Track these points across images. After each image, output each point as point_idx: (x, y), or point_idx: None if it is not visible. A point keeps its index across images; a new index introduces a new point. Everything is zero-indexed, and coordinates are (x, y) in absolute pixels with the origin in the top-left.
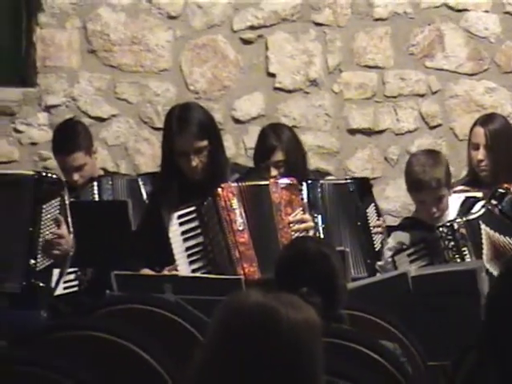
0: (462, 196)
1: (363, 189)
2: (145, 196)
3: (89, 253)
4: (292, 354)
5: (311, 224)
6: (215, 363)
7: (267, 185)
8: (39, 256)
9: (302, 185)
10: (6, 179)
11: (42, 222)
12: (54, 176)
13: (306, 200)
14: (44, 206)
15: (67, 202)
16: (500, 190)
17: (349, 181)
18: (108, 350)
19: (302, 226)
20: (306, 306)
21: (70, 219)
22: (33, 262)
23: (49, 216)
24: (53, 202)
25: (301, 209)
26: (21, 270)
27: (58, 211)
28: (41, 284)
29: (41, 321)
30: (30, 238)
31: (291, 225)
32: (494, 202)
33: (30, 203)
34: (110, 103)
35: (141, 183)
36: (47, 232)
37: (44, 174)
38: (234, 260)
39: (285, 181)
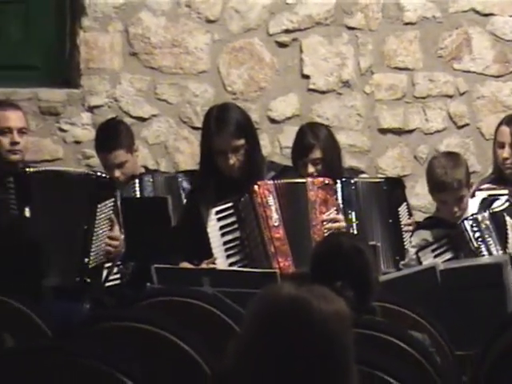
0: (480, 196)
1: (396, 188)
2: (183, 193)
3: (130, 247)
4: (324, 344)
5: (343, 224)
6: (250, 354)
7: (304, 183)
8: (92, 254)
9: (336, 182)
10: (63, 177)
11: (97, 221)
12: (108, 177)
13: (340, 197)
14: (99, 206)
15: (119, 203)
16: None
17: (382, 180)
18: (148, 340)
19: (335, 225)
20: (336, 298)
21: (121, 219)
22: (86, 260)
23: (103, 216)
24: (107, 202)
25: (335, 208)
26: (75, 266)
27: (111, 211)
28: (90, 280)
29: (84, 313)
30: (84, 236)
31: (324, 223)
32: None
33: (86, 202)
34: (151, 104)
35: (180, 180)
36: (101, 231)
37: (99, 174)
38: (270, 255)
39: (321, 180)
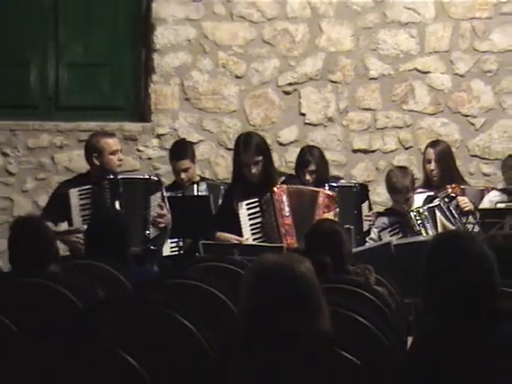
0: (425, 195)
1: (362, 191)
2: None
3: (186, 229)
4: (303, 290)
5: None
6: (251, 300)
7: (318, 191)
8: (150, 228)
9: (325, 186)
10: (130, 181)
11: (151, 207)
12: (157, 179)
13: None
14: (151, 197)
15: (165, 195)
16: (452, 195)
17: (353, 184)
18: (197, 291)
19: None
20: (305, 260)
21: (167, 205)
22: (147, 232)
23: (155, 203)
24: (157, 194)
25: (333, 213)
26: (141, 238)
27: (160, 200)
28: (153, 247)
29: (154, 273)
30: (143, 218)
31: None
32: (446, 200)
33: (143, 195)
34: (198, 132)
35: (204, 187)
36: (154, 213)
37: (151, 177)
38: (281, 234)
39: (329, 193)
